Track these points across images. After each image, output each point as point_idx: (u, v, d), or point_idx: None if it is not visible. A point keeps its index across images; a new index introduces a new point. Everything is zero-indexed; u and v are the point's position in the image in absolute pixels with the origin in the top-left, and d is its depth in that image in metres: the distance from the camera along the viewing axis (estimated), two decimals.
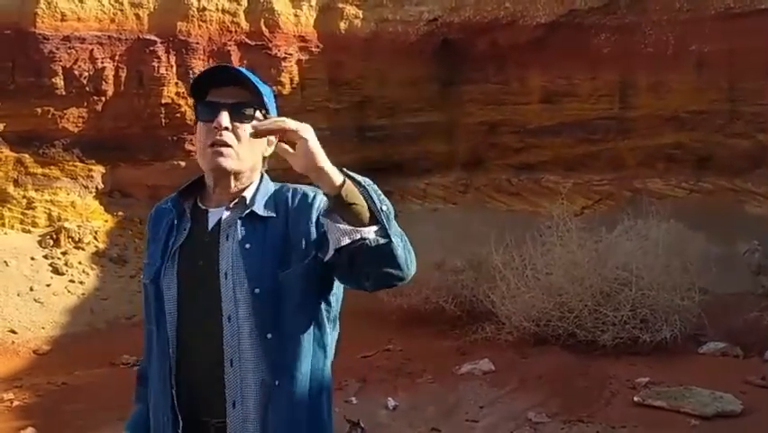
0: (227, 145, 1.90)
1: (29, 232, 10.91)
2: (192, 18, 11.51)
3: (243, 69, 1.98)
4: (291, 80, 12.05)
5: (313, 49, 12.21)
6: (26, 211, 11.03)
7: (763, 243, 10.48)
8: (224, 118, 1.90)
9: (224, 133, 1.90)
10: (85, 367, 7.96)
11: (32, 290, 9.87)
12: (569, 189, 10.87)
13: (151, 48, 11.37)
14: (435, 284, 9.23)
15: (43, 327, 9.31)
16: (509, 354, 7.76)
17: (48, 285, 10.04)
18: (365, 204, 1.73)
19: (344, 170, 1.73)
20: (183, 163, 11.29)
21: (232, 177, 1.95)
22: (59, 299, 9.87)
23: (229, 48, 11.68)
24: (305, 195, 1.96)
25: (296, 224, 1.92)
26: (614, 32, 12.05)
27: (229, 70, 1.97)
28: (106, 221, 11.36)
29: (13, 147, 11.04)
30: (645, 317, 7.67)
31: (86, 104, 11.27)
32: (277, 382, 1.88)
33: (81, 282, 10.28)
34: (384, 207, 1.75)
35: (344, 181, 1.72)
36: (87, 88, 11.19)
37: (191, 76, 11.47)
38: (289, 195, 1.97)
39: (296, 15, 12.05)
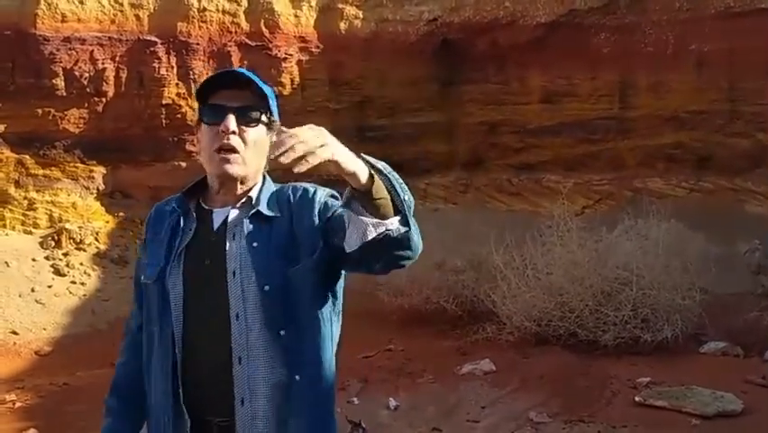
0: (234, 150, 1.91)
1: (30, 233, 10.92)
2: (192, 19, 11.52)
3: (249, 73, 1.98)
4: (291, 81, 12.06)
5: (313, 49, 12.22)
6: (27, 212, 11.04)
7: (763, 242, 10.49)
8: (232, 122, 1.91)
9: (232, 137, 1.91)
10: (86, 368, 7.96)
11: (33, 291, 9.88)
12: (569, 189, 10.87)
13: (152, 49, 11.38)
14: (436, 284, 9.24)
15: (45, 328, 9.31)
16: (510, 354, 7.76)
17: (49, 286, 10.05)
18: (389, 196, 1.73)
19: (369, 160, 1.71)
20: (184, 164, 11.31)
21: (237, 181, 1.96)
22: (61, 300, 9.88)
23: (229, 48, 11.69)
24: (305, 191, 1.98)
25: (299, 219, 1.93)
26: (614, 31, 12.05)
27: (236, 74, 1.96)
28: (107, 222, 11.37)
29: (14, 148, 11.05)
30: (646, 317, 7.67)
31: (86, 105, 11.28)
32: (297, 378, 1.90)
33: (82, 283, 10.29)
34: (406, 198, 1.76)
35: (372, 177, 1.71)
36: (88, 89, 11.20)
37: (191, 76, 11.49)
38: (291, 193, 1.99)
39: (296, 16, 12.06)
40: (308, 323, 1.93)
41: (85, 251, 10.82)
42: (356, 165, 1.68)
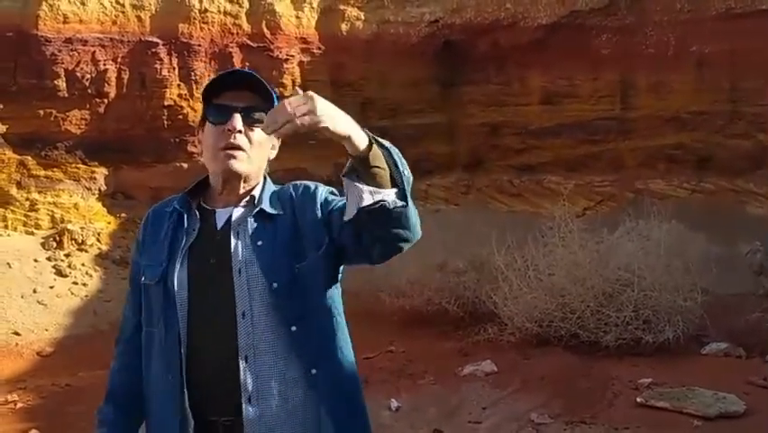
0: (240, 149, 1.93)
1: (32, 234, 10.93)
2: (194, 20, 11.53)
3: (256, 74, 2.01)
4: (293, 82, 12.06)
5: (314, 50, 12.23)
6: (29, 213, 11.05)
7: (764, 243, 10.48)
8: (238, 121, 1.93)
9: (238, 136, 1.93)
10: (88, 369, 7.96)
11: (35, 291, 9.89)
12: (570, 190, 10.87)
13: (153, 50, 11.39)
14: (437, 285, 9.24)
15: (47, 329, 9.32)
16: (512, 355, 7.76)
17: (51, 287, 10.06)
18: (387, 168, 1.76)
19: (369, 133, 1.76)
20: (185, 165, 11.32)
21: (241, 179, 1.98)
22: (63, 301, 9.88)
23: (231, 50, 11.70)
24: (306, 187, 2.01)
25: (303, 215, 1.96)
26: (615, 32, 12.06)
27: (243, 74, 1.99)
28: (109, 223, 11.38)
29: (16, 149, 11.06)
30: (648, 318, 7.67)
31: (88, 106, 11.29)
32: (313, 371, 1.91)
33: (84, 284, 10.30)
34: (406, 173, 1.79)
35: (371, 145, 1.74)
36: (90, 90, 11.21)
37: (193, 78, 11.51)
38: (292, 191, 2.02)
39: (297, 17, 12.07)
40: (320, 317, 1.95)
41: (87, 252, 10.83)
42: (352, 130, 1.73)
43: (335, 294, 2.00)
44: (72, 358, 8.44)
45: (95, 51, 11.17)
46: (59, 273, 10.33)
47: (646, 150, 12.25)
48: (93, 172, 11.47)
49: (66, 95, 11.11)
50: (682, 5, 11.77)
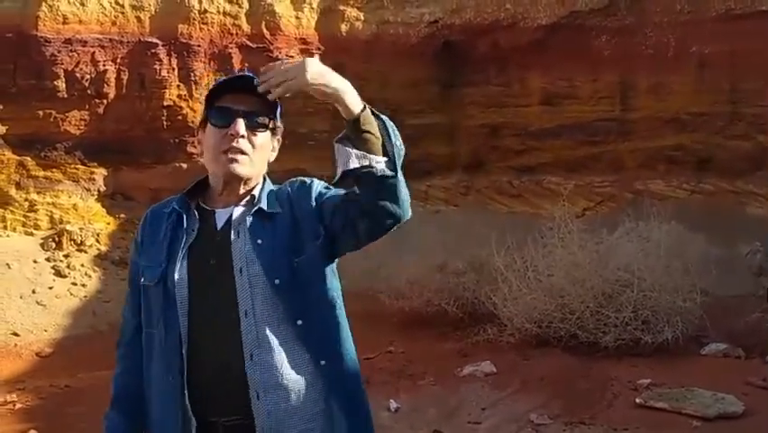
0: (243, 153, 1.94)
1: (31, 234, 10.92)
2: (193, 21, 11.53)
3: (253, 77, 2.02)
4: None
5: (314, 51, 12.22)
6: (28, 214, 11.04)
7: (764, 244, 10.48)
8: (241, 126, 1.95)
9: (241, 140, 1.95)
10: (87, 370, 7.96)
11: (34, 292, 9.89)
12: (570, 191, 10.87)
13: (153, 50, 11.39)
14: (437, 286, 9.24)
15: (46, 330, 9.32)
16: (511, 356, 7.76)
17: (50, 288, 10.05)
18: (380, 137, 1.79)
19: (366, 104, 1.81)
20: (185, 166, 11.31)
21: (242, 182, 2.00)
22: (62, 302, 9.88)
23: (230, 50, 11.70)
24: (302, 182, 2.05)
25: (300, 209, 1.98)
26: (615, 33, 12.06)
27: (249, 79, 1.99)
28: (108, 223, 11.38)
29: (15, 150, 11.06)
30: (647, 319, 7.67)
31: (87, 106, 11.28)
32: (322, 362, 1.93)
33: (83, 285, 10.30)
34: (398, 143, 1.83)
35: (364, 108, 1.80)
36: (89, 91, 11.20)
37: (193, 78, 11.51)
38: (289, 188, 2.05)
39: (297, 18, 12.07)
40: (323, 308, 1.97)
41: (86, 252, 10.83)
42: (346, 91, 1.80)
43: (336, 285, 2.02)
44: (71, 359, 8.43)
45: (94, 52, 11.17)
46: (58, 274, 10.32)
47: (646, 151, 12.25)
48: (92, 173, 11.46)
49: (65, 95, 11.10)
50: (682, 6, 11.77)
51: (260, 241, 1.94)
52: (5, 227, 10.87)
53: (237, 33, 11.77)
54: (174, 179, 10.42)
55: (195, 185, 2.09)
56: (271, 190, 2.04)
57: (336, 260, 2.04)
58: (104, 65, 11.22)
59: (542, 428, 6.07)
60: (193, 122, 10.90)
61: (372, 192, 1.80)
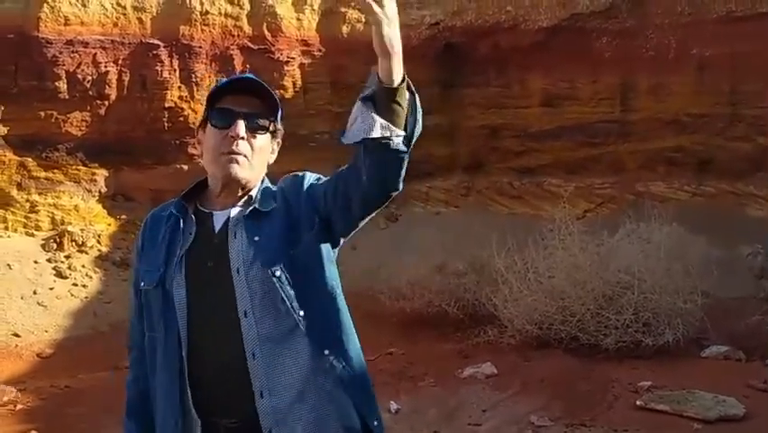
0: (243, 155, 1.95)
1: (32, 235, 10.93)
2: (195, 22, 11.54)
3: (262, 82, 2.03)
4: (294, 84, 12.08)
5: (315, 52, 12.24)
6: (29, 215, 11.05)
7: (765, 246, 10.47)
8: (242, 128, 1.95)
9: (241, 142, 1.95)
10: (88, 370, 7.97)
11: (35, 293, 9.89)
12: (570, 193, 10.87)
13: (154, 52, 11.40)
14: (437, 287, 9.24)
15: (46, 331, 9.32)
16: (512, 358, 7.76)
17: (51, 288, 10.06)
18: (405, 111, 1.77)
19: (405, 75, 1.77)
20: (186, 167, 11.31)
21: (242, 184, 2.00)
22: (63, 303, 9.88)
23: (232, 52, 11.71)
24: (294, 176, 2.05)
25: (293, 200, 1.99)
26: (615, 35, 12.06)
27: (251, 81, 2.00)
28: (109, 225, 11.38)
29: (17, 151, 11.06)
30: (648, 321, 7.67)
31: (89, 108, 11.29)
32: (326, 352, 1.93)
33: (84, 286, 10.30)
34: (420, 120, 1.81)
35: (404, 79, 1.76)
36: (91, 92, 11.21)
37: (194, 80, 11.51)
38: (282, 184, 2.05)
39: (298, 19, 12.08)
40: (323, 299, 1.97)
41: (87, 253, 10.83)
42: (399, 57, 1.75)
43: (335, 274, 2.01)
44: (72, 360, 8.44)
45: (96, 53, 11.17)
46: (59, 275, 10.33)
47: (646, 152, 12.24)
48: (93, 174, 11.47)
49: (67, 96, 11.11)
50: (683, 8, 11.77)
51: (256, 238, 1.94)
52: (6, 228, 10.87)
53: (238, 35, 11.77)
54: (175, 180, 10.42)
55: (193, 187, 2.09)
56: (267, 187, 2.04)
57: (335, 250, 2.03)
58: (105, 66, 11.23)
59: (542, 429, 6.07)
60: (194, 123, 10.89)
61: (380, 163, 1.78)
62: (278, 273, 1.90)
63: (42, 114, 11.06)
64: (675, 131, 12.04)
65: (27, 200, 11.07)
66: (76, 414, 6.67)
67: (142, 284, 2.03)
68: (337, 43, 12.17)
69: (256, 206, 1.98)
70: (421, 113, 1.81)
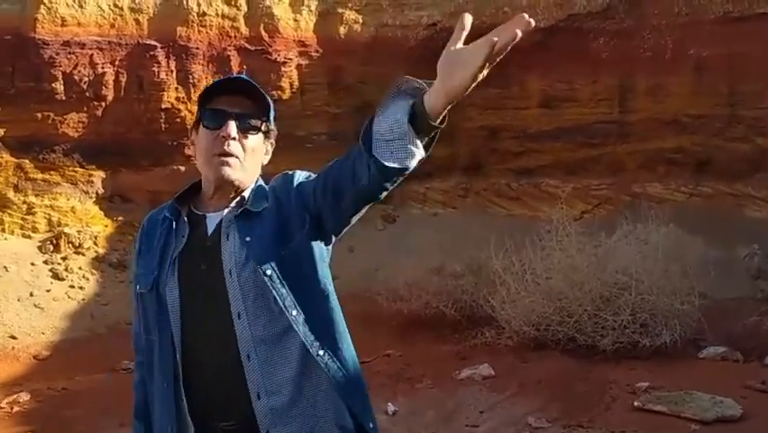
0: (235, 156, 1.93)
1: (29, 237, 10.91)
2: (192, 23, 11.53)
3: (253, 82, 2.01)
4: (291, 85, 12.07)
5: (312, 53, 12.23)
6: (26, 216, 11.03)
7: (762, 247, 10.48)
8: (233, 128, 1.94)
9: (232, 143, 1.94)
10: (85, 372, 7.95)
11: (32, 295, 9.87)
12: (568, 194, 10.87)
13: (151, 53, 11.38)
14: (435, 289, 9.23)
15: (43, 333, 9.30)
16: (509, 359, 7.76)
17: (48, 290, 10.04)
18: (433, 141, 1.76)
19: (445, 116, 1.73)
20: (183, 168, 11.30)
21: (234, 186, 1.98)
22: (60, 305, 9.87)
23: (229, 53, 11.70)
24: (284, 175, 2.03)
25: (284, 199, 1.97)
26: (613, 36, 12.06)
27: (242, 81, 1.99)
28: (106, 226, 11.37)
29: (13, 152, 11.05)
30: (645, 322, 7.67)
31: (86, 109, 11.28)
32: (321, 352, 1.92)
33: (81, 288, 10.28)
34: (431, 151, 1.80)
35: (446, 118, 1.72)
36: (87, 93, 11.20)
37: (191, 81, 11.50)
38: (273, 183, 2.04)
39: (295, 20, 12.07)
40: (316, 298, 1.96)
41: (84, 255, 10.82)
42: (454, 91, 1.66)
43: (327, 274, 2.00)
44: (69, 362, 8.42)
45: (92, 54, 11.16)
46: (56, 277, 10.31)
47: (645, 153, 12.25)
48: (90, 175, 11.45)
49: (63, 98, 11.09)
50: (680, 9, 11.78)
51: (248, 238, 1.92)
52: (3, 230, 10.85)
53: (235, 36, 11.77)
54: (172, 181, 10.41)
55: (188, 189, 2.08)
56: (260, 187, 2.03)
57: (328, 248, 2.02)
58: (102, 67, 11.21)
59: (540, 430, 6.07)
60: (191, 124, 10.89)
61: (389, 178, 1.78)
62: (269, 272, 1.89)
63: (39, 115, 11.04)
64: (673, 132, 12.05)
65: (24, 202, 11.05)
66: (73, 416, 6.66)
67: (138, 287, 2.03)
68: (334, 44, 12.17)
69: (248, 206, 1.97)
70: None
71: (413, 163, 1.73)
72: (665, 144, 12.13)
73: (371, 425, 2.01)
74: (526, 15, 1.58)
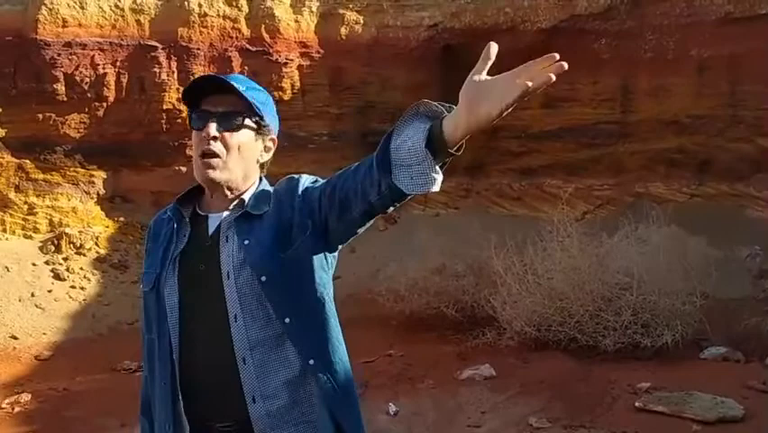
0: (216, 155, 1.93)
1: (30, 238, 10.92)
2: (193, 24, 11.54)
3: (235, 78, 2.00)
4: (292, 86, 12.07)
5: (314, 54, 12.24)
6: (27, 217, 11.05)
7: (764, 247, 10.47)
8: (212, 128, 1.93)
9: (212, 142, 1.93)
10: (86, 373, 7.96)
11: (33, 295, 9.88)
12: (570, 194, 10.85)
13: (153, 54, 11.40)
14: (436, 289, 9.23)
15: (45, 333, 9.31)
16: (510, 360, 7.75)
17: (49, 291, 10.05)
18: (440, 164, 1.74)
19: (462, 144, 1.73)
20: (184, 169, 11.31)
21: (225, 187, 1.97)
22: (61, 305, 9.87)
23: (230, 54, 11.71)
24: (290, 179, 2.01)
25: (287, 204, 1.95)
26: (614, 36, 12.07)
27: (216, 79, 1.97)
28: (107, 227, 11.38)
29: (15, 153, 11.07)
30: (647, 322, 7.66)
31: (87, 109, 11.30)
32: (311, 362, 1.90)
33: (82, 288, 10.29)
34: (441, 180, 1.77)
35: (459, 148, 1.72)
36: (89, 94, 11.22)
37: None
38: (277, 186, 2.02)
39: (296, 21, 12.08)
40: (312, 306, 1.94)
41: (85, 255, 10.83)
42: (476, 124, 1.67)
43: (326, 281, 1.97)
44: (70, 362, 8.43)
45: (94, 55, 11.18)
46: (57, 277, 10.32)
47: (646, 153, 12.26)
48: (91, 176, 11.47)
49: (65, 98, 11.12)
50: (682, 10, 11.78)
51: (247, 242, 1.91)
52: (4, 230, 10.87)
53: (237, 37, 11.78)
54: (173, 182, 10.42)
55: (191, 189, 2.08)
56: (262, 191, 2.02)
57: (332, 256, 2.00)
58: (103, 68, 11.23)
59: (541, 431, 6.06)
60: None
61: (400, 200, 1.77)
62: (263, 278, 1.88)
63: (41, 116, 11.07)
64: (675, 132, 12.05)
65: (25, 202, 11.07)
66: (74, 417, 6.66)
67: (141, 286, 2.04)
68: (335, 45, 12.18)
69: (248, 209, 1.96)
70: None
71: (434, 188, 1.71)
72: (667, 145, 12.13)
73: None
74: (557, 55, 1.58)
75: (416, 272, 9.45)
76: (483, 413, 6.49)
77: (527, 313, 8.02)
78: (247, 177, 2.01)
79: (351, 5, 12.33)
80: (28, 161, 11.14)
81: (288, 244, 1.91)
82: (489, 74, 1.67)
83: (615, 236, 8.92)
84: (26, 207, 11.07)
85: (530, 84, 1.55)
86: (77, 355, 8.68)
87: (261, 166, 2.06)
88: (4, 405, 7.03)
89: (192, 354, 1.91)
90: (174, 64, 11.49)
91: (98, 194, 11.52)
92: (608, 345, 7.54)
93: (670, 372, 7.12)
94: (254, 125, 1.98)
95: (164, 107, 11.47)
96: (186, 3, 11.49)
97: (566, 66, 1.53)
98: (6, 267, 10.18)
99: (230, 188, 1.98)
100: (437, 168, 1.71)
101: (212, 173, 1.94)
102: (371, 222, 1.90)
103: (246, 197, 1.99)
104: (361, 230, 1.91)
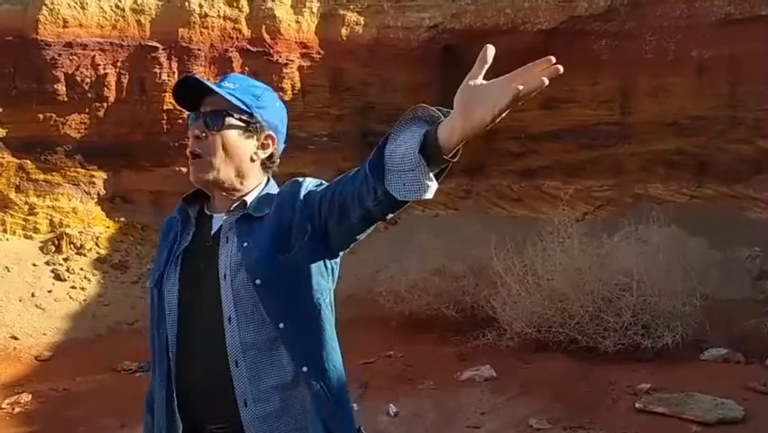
0: (198, 156, 1.93)
1: (30, 238, 10.92)
2: (194, 25, 11.55)
3: (231, 77, 2.01)
4: (293, 86, 12.08)
5: (314, 55, 12.24)
6: (28, 217, 11.05)
7: (764, 248, 10.47)
8: (195, 128, 1.94)
9: (195, 142, 1.94)
10: (86, 373, 7.96)
11: (33, 296, 9.88)
12: (570, 195, 10.86)
13: (153, 54, 11.40)
14: (436, 290, 9.23)
15: (45, 333, 9.31)
16: (511, 360, 7.75)
17: (49, 291, 10.05)
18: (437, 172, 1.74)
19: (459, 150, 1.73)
20: (185, 169, 11.16)
21: (217, 186, 1.97)
22: (61, 305, 9.87)
23: (230, 54, 11.71)
24: (294, 182, 2.00)
25: (288, 207, 1.94)
26: (614, 38, 12.07)
27: (188, 80, 1.97)
28: (108, 227, 11.38)
29: (15, 153, 11.07)
30: (647, 323, 7.66)
31: (87, 110, 11.30)
32: (304, 369, 1.88)
33: (83, 288, 10.29)
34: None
35: (455, 154, 1.73)
36: (89, 95, 11.22)
37: None
38: (283, 189, 2.01)
39: (297, 22, 12.09)
40: (308, 313, 1.92)
41: (85, 256, 10.83)
42: (471, 130, 1.66)
43: (323, 287, 1.95)
44: (70, 362, 8.43)
45: (94, 56, 11.18)
46: (58, 277, 10.32)
47: (646, 155, 12.26)
48: (92, 176, 11.47)
49: (65, 99, 11.12)
50: (682, 11, 11.79)
51: (245, 243, 1.91)
52: (5, 231, 10.87)
53: (237, 37, 11.78)
54: (174, 182, 10.41)
55: (198, 189, 2.08)
56: (267, 193, 2.01)
57: (333, 261, 1.98)
58: (104, 68, 11.23)
59: (541, 432, 6.06)
60: None
61: (396, 207, 1.77)
62: (258, 282, 1.86)
63: (41, 116, 11.06)
64: (675, 133, 12.05)
65: (26, 202, 11.07)
66: (74, 417, 6.66)
67: (148, 283, 2.06)
68: (336, 46, 12.18)
69: (249, 211, 1.95)
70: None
71: (427, 195, 1.71)
72: (666, 146, 12.14)
73: None
74: (553, 59, 1.58)
75: (417, 273, 9.45)
76: (483, 414, 6.50)
77: (527, 314, 8.03)
78: (244, 176, 1.99)
79: (351, 6, 12.34)
80: (28, 162, 11.14)
81: (287, 246, 1.89)
82: (487, 77, 1.66)
83: (615, 237, 8.93)
84: (27, 207, 11.07)
85: (521, 88, 1.53)
86: (77, 356, 8.68)
87: (264, 166, 2.04)
88: (4, 405, 7.03)
89: (187, 353, 1.92)
90: (174, 65, 11.49)
91: (99, 194, 11.52)
92: (608, 345, 7.55)
93: (670, 373, 7.13)
94: (240, 123, 1.96)
95: (165, 108, 11.47)
96: (186, 3, 11.49)
97: (561, 69, 1.52)
98: (7, 267, 10.19)
99: (225, 188, 1.97)
100: (431, 175, 1.70)
101: (197, 173, 1.95)
102: (372, 228, 1.88)
103: (249, 198, 1.99)
104: (361, 236, 1.89)
